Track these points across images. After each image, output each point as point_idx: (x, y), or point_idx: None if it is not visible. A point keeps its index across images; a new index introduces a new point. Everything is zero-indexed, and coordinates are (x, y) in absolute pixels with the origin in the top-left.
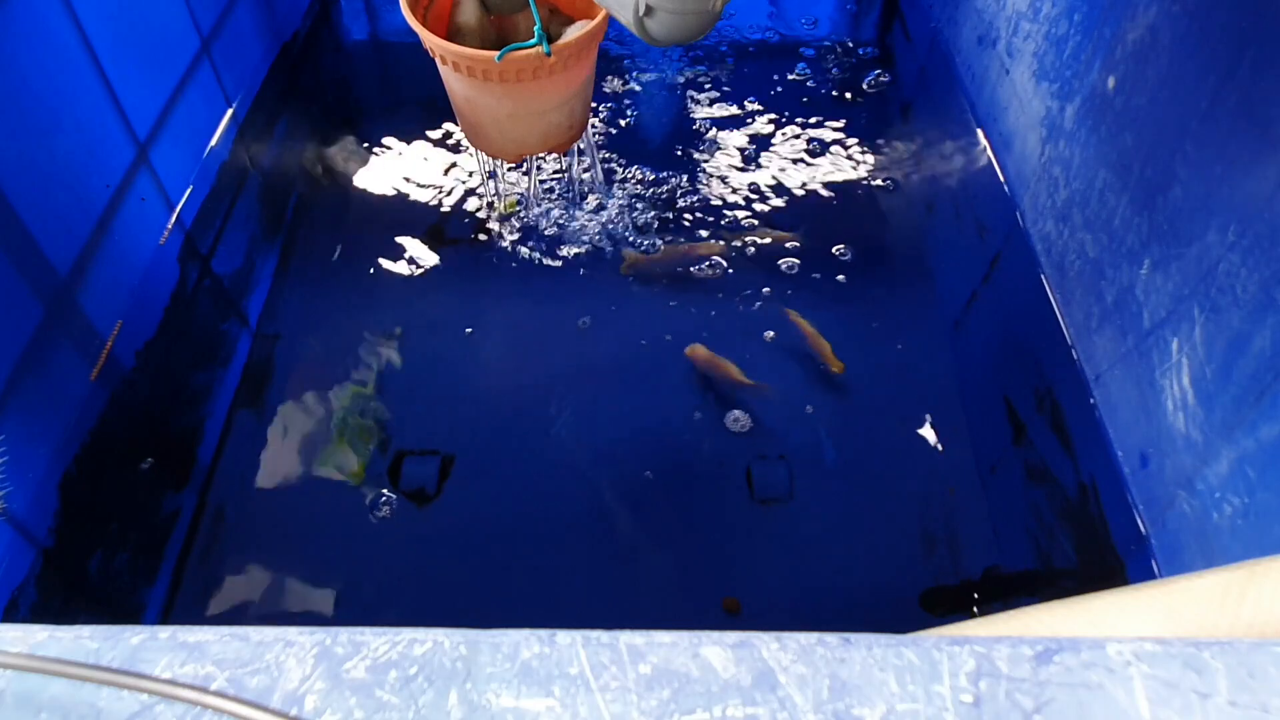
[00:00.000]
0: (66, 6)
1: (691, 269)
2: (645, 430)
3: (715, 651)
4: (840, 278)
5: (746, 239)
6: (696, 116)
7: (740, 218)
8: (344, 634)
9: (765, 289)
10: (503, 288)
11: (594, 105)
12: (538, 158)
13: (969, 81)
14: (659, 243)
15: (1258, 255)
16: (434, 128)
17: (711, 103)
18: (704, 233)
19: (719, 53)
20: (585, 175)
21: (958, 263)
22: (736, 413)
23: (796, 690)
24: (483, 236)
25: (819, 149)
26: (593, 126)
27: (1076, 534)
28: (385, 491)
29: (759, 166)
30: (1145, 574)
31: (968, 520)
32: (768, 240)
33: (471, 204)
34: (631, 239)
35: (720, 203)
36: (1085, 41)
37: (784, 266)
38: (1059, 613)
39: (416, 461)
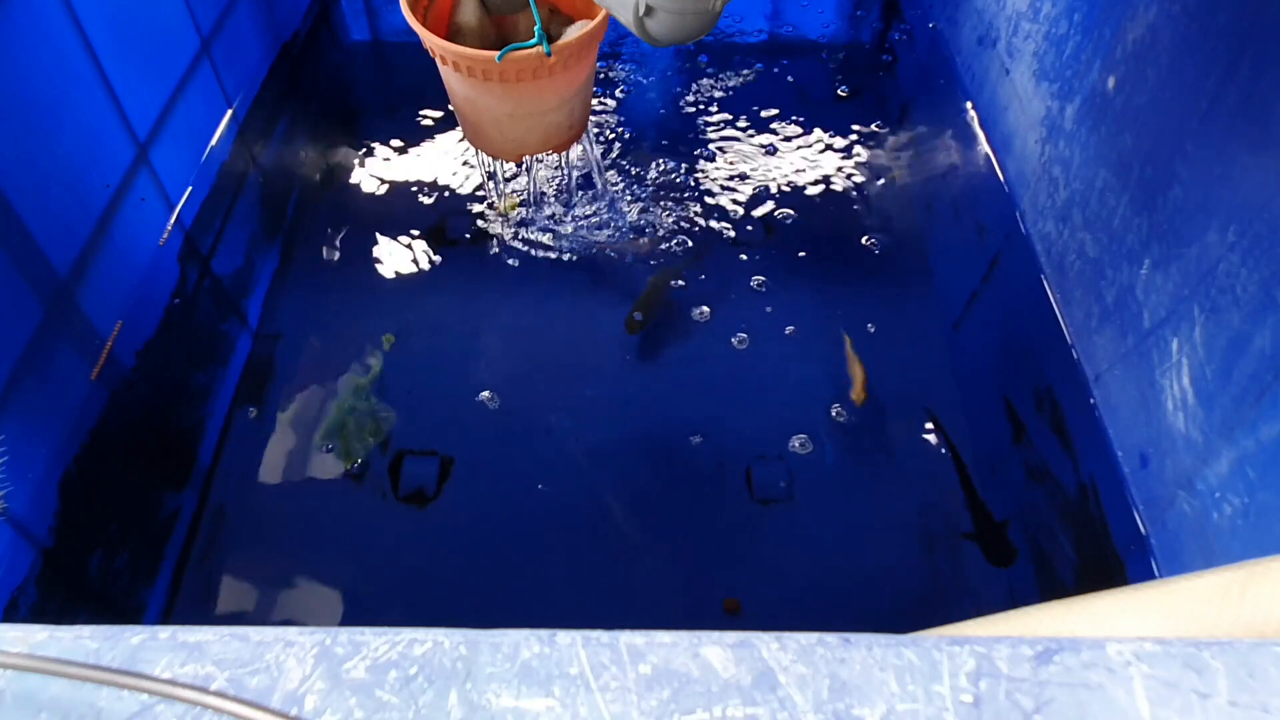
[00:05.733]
0: (66, 6)
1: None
2: (645, 430)
3: (715, 651)
4: (840, 277)
5: (745, 238)
6: (696, 116)
7: (740, 217)
8: (344, 634)
9: (764, 289)
10: (502, 288)
11: (594, 104)
12: (538, 157)
13: (969, 81)
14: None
15: (1258, 255)
16: (434, 128)
17: (711, 102)
18: (701, 229)
19: (719, 52)
20: (585, 175)
21: (958, 263)
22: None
23: (796, 690)
24: (482, 236)
25: (819, 148)
26: (592, 126)
27: (1076, 534)
28: (385, 492)
29: (758, 166)
30: (1145, 574)
31: (968, 520)
32: (767, 239)
33: (471, 204)
34: (630, 238)
35: (720, 202)
36: (1085, 41)
37: (782, 266)
38: (1059, 613)
39: (416, 461)
